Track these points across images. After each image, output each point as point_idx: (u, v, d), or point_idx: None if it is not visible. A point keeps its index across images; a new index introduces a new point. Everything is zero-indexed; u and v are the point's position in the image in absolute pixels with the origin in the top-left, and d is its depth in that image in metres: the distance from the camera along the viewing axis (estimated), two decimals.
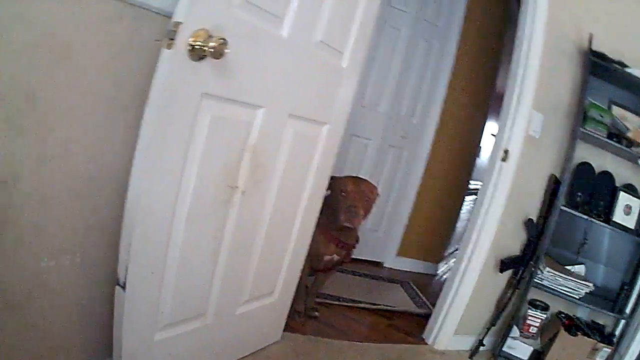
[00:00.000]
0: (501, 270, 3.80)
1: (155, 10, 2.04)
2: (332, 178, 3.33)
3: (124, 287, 2.02)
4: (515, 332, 3.77)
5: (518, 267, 3.84)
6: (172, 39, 1.79)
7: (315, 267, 3.61)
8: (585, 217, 3.68)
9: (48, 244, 2.05)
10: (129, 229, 1.95)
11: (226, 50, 1.87)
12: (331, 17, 2.54)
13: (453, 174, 5.96)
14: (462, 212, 6.16)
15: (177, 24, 1.79)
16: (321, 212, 3.21)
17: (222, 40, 1.83)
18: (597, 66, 3.67)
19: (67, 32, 1.87)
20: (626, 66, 3.72)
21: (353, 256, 3.72)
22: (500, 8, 5.76)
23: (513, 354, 3.70)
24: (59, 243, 2.09)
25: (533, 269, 3.66)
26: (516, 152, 3.69)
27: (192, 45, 1.82)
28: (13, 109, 1.79)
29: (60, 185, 2.01)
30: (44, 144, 1.91)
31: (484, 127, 6.00)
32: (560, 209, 3.62)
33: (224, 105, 2.13)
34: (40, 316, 2.11)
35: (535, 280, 3.64)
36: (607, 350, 3.66)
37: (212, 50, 1.82)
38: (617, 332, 3.93)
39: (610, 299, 3.92)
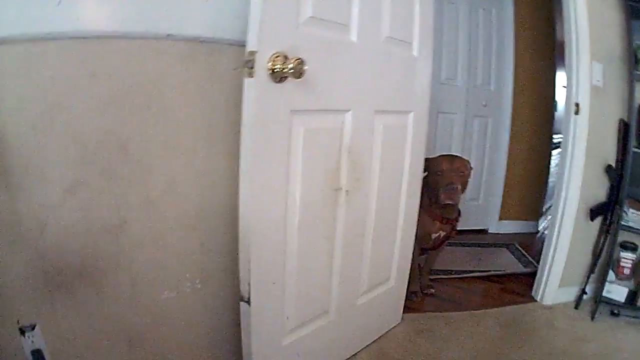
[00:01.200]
0: (592, 218, 3.79)
1: (227, 42, 2.11)
2: (426, 160, 3.37)
3: (248, 302, 2.09)
4: (611, 276, 3.76)
5: (606, 212, 3.83)
6: (251, 68, 1.84)
7: (424, 247, 3.66)
8: None
9: (167, 277, 2.15)
10: (246, 248, 2.02)
11: (305, 68, 1.91)
12: (393, 12, 2.57)
13: (537, 131, 5.91)
14: (551, 166, 6.10)
15: (253, 52, 1.84)
16: (422, 194, 3.26)
17: (299, 59, 1.88)
18: (636, 9, 3.62)
19: (148, 79, 1.97)
20: None
21: (460, 228, 3.76)
22: None
23: (611, 297, 3.66)
24: (177, 274, 2.19)
25: (619, 213, 3.64)
26: (586, 104, 3.66)
27: (271, 69, 1.87)
28: (107, 160, 1.89)
29: (170, 221, 2.10)
30: (145, 187, 2.01)
31: (555, 80, 5.93)
32: (634, 151, 3.59)
33: (313, 117, 2.19)
34: (166, 345, 2.22)
35: (622, 223, 3.62)
36: None
37: (292, 71, 1.87)
38: None
39: None
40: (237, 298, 2.14)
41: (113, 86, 1.89)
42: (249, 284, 2.06)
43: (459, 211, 3.66)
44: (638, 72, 3.60)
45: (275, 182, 2.07)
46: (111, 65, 1.87)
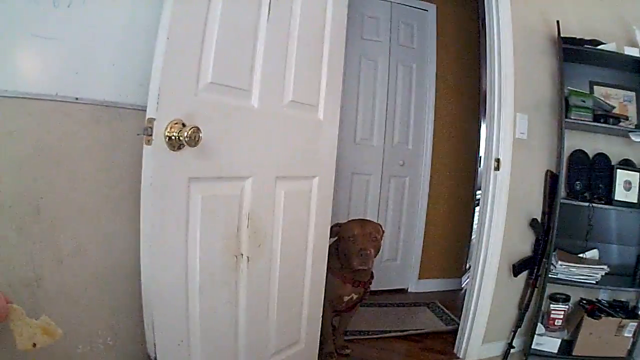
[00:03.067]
0: (515, 275, 3.85)
1: (131, 107, 2.14)
2: (338, 225, 3.45)
3: None
4: (541, 328, 3.81)
5: (531, 267, 3.87)
6: (150, 135, 1.87)
7: (337, 309, 3.66)
8: (587, 204, 3.72)
9: (81, 332, 2.15)
10: (149, 309, 2.02)
11: (200, 135, 1.93)
12: (297, 76, 2.62)
13: (457, 187, 6.02)
14: (474, 222, 6.18)
15: (151, 120, 1.87)
16: (332, 257, 3.28)
17: (194, 128, 1.91)
18: (571, 51, 3.71)
19: (58, 141, 2.00)
20: (600, 43, 3.77)
21: (378, 288, 3.80)
22: (472, 14, 5.86)
23: (543, 349, 3.73)
24: (91, 330, 2.19)
25: (546, 266, 3.69)
26: (508, 158, 3.73)
27: (168, 136, 1.90)
28: (21, 218, 1.92)
29: (81, 279, 2.11)
30: (56, 246, 2.02)
31: (479, 133, 6.05)
32: (562, 202, 3.66)
33: (211, 184, 2.21)
34: None
35: (551, 275, 3.68)
36: (633, 324, 3.69)
37: (188, 139, 1.89)
38: None
39: (629, 274, 3.95)
40: (146, 357, 2.14)
41: (27, 146, 1.92)
42: (154, 344, 2.06)
43: (372, 273, 3.67)
44: (568, 120, 3.67)
45: (174, 248, 2.08)
46: (27, 125, 1.92)
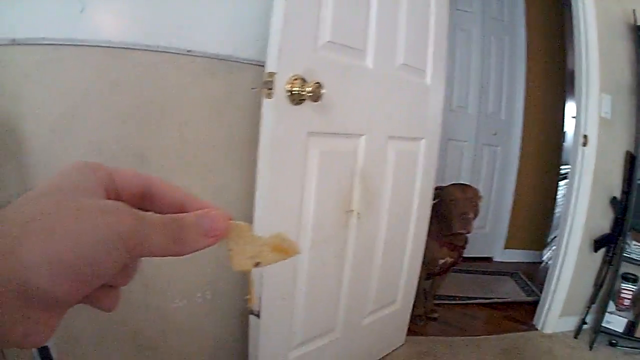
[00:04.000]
0: (595, 250, 3.82)
1: (245, 61, 2.17)
2: (439, 188, 3.47)
3: (258, 316, 2.15)
4: (611, 306, 3.80)
5: (609, 244, 3.85)
6: (270, 89, 1.91)
7: (430, 272, 3.69)
8: None
9: (178, 286, 2.21)
10: None
11: (323, 92, 1.97)
12: (408, 39, 2.63)
13: (545, 161, 5.95)
14: (558, 197, 6.13)
15: (272, 74, 1.91)
16: (431, 220, 3.30)
17: (317, 84, 1.95)
18: None
19: (166, 93, 2.04)
20: None
21: (466, 255, 3.80)
22: None
23: (610, 327, 3.69)
24: (189, 284, 2.25)
25: (622, 245, 3.67)
26: (594, 136, 3.70)
27: (289, 91, 1.94)
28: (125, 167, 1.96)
29: None
30: None
31: (564, 110, 5.95)
32: (639, 184, 3.64)
33: (329, 140, 2.25)
34: (174, 353, 2.28)
35: (625, 254, 3.65)
36: None
37: (310, 94, 1.94)
38: None
39: None
40: (247, 311, 2.20)
41: (133, 97, 1.96)
42: (260, 298, 2.12)
43: (467, 239, 3.70)
44: None
45: (289, 202, 2.13)
46: (132, 76, 1.95)
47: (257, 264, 0.57)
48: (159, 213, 0.50)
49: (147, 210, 0.51)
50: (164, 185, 0.57)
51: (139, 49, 1.94)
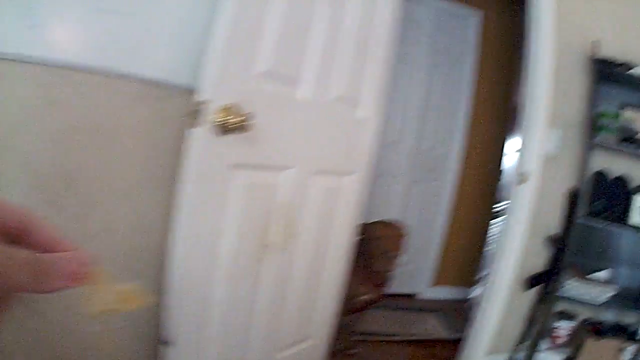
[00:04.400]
0: (528, 288, 3.84)
1: (178, 87, 2.13)
2: (363, 224, 3.43)
3: (169, 345, 2.12)
4: (545, 344, 3.81)
5: (543, 282, 3.86)
6: (198, 118, 1.89)
7: (350, 308, 3.65)
8: (603, 225, 3.72)
9: None
10: (173, 292, 2.04)
11: (250, 123, 1.95)
12: (346, 73, 2.62)
13: (480, 198, 6.00)
14: (491, 234, 6.18)
15: (201, 102, 1.89)
16: (354, 257, 3.26)
17: (245, 115, 1.92)
18: (605, 73, 3.70)
19: (101, 115, 1.98)
20: (632, 66, 3.74)
21: (390, 291, 3.79)
22: (514, 26, 5.80)
23: None
24: None
25: (558, 283, 3.68)
26: (536, 173, 3.73)
27: (217, 121, 1.91)
28: (54, 189, 1.92)
29: (108, 257, 2.10)
30: (87, 221, 2.03)
31: (503, 146, 6.00)
32: (580, 222, 3.65)
33: (253, 172, 2.22)
34: None
35: (561, 292, 3.67)
36: (630, 348, 3.68)
37: (237, 125, 1.91)
38: None
39: (636, 298, 3.95)
40: (160, 339, 2.17)
41: (68, 117, 1.92)
42: (170, 327, 2.09)
43: (389, 276, 3.67)
44: (594, 142, 3.67)
45: (207, 233, 2.10)
46: (68, 96, 1.90)
47: (108, 310, 0.58)
48: (33, 249, 0.51)
49: (21, 246, 0.52)
50: (40, 223, 0.57)
51: (78, 70, 1.90)
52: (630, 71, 3.71)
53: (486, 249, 6.00)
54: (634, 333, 3.86)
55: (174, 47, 2.13)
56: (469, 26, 5.71)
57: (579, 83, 3.85)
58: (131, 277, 2.20)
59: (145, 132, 2.13)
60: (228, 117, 1.91)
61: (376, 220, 3.68)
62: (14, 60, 1.75)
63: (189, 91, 2.03)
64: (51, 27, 1.83)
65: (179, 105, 2.14)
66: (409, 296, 5.75)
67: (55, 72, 1.85)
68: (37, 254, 0.50)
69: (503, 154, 5.90)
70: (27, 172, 1.87)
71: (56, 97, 1.87)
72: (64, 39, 1.88)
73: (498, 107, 5.88)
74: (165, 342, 2.13)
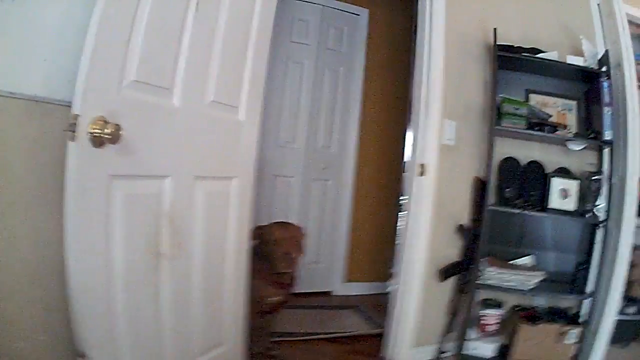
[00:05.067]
0: (441, 280, 3.91)
1: (60, 103, 2.16)
2: (259, 228, 3.48)
3: (85, 357, 2.11)
4: (472, 333, 3.88)
5: (459, 272, 3.94)
6: (74, 131, 1.91)
7: (261, 310, 3.67)
8: (518, 211, 3.79)
9: (18, 328, 2.16)
10: (76, 305, 2.05)
11: (121, 133, 1.99)
12: (221, 77, 2.67)
13: (382, 192, 6.10)
14: (399, 227, 6.23)
15: (76, 116, 1.92)
16: (254, 259, 3.29)
17: (116, 125, 1.97)
18: (507, 59, 3.77)
19: None
20: (540, 51, 3.86)
21: (302, 290, 3.81)
22: (404, 21, 5.94)
23: (476, 354, 3.79)
24: (27, 326, 2.20)
25: (476, 271, 3.73)
26: (433, 165, 3.79)
27: (91, 133, 1.94)
28: None
29: (13, 274, 2.14)
30: None
31: (404, 139, 6.08)
32: (491, 209, 3.72)
33: (132, 182, 2.24)
34: None
35: (481, 281, 3.72)
36: (573, 331, 3.74)
37: (109, 136, 1.95)
38: (583, 312, 4.01)
39: (567, 281, 4.03)
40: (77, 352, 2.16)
41: None
42: (82, 340, 2.09)
43: (293, 276, 3.69)
44: (499, 128, 3.73)
45: (95, 245, 2.11)
46: None
47: None
48: None
49: None
50: None
51: None
52: (540, 55, 3.83)
53: (395, 242, 6.09)
54: (575, 316, 3.96)
55: (53, 63, 2.17)
56: (357, 24, 5.85)
57: (478, 72, 3.98)
58: (38, 292, 2.23)
59: (34, 147, 2.15)
60: (100, 129, 1.94)
61: (273, 222, 3.71)
62: None
63: (70, 106, 2.06)
64: None
65: (63, 120, 2.17)
66: (324, 294, 5.80)
67: None
68: None
69: (404, 146, 5.98)
70: None
71: None
72: None
73: (395, 101, 6.00)
74: (82, 355, 2.12)
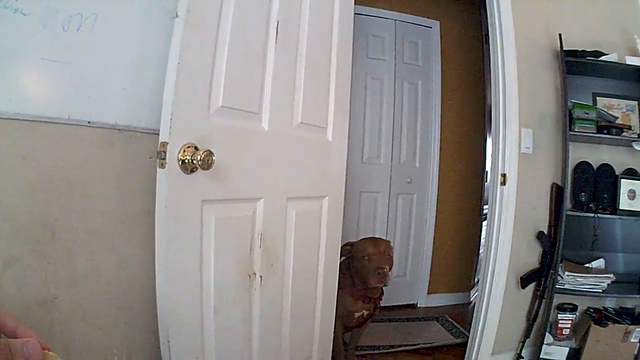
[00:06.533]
0: (522, 287, 3.85)
1: (143, 130, 2.17)
2: (349, 244, 3.49)
3: None
4: (549, 338, 3.81)
5: (538, 279, 3.88)
6: (163, 159, 1.90)
7: (348, 325, 3.67)
8: (592, 214, 3.73)
9: (97, 350, 2.18)
10: (165, 328, 2.04)
11: (213, 159, 1.96)
12: (307, 99, 2.64)
13: (465, 203, 6.03)
14: (482, 236, 6.17)
15: (164, 144, 1.91)
16: (342, 275, 3.28)
17: (207, 151, 1.94)
18: (573, 64, 3.71)
19: (71, 164, 2.05)
20: (602, 54, 3.76)
21: (388, 304, 3.81)
22: (475, 30, 5.90)
23: (551, 358, 3.74)
24: (106, 348, 2.22)
25: (554, 277, 3.68)
26: (513, 173, 3.72)
27: (182, 160, 1.93)
28: (36, 239, 1.96)
29: (96, 299, 2.15)
30: (72, 267, 2.07)
31: (485, 148, 6.04)
32: (567, 214, 3.66)
33: (224, 206, 2.23)
34: None
35: (558, 286, 3.67)
36: (639, 329, 3.67)
37: (201, 162, 1.92)
38: None
39: (635, 282, 3.94)
40: None
41: (41, 169, 1.97)
42: None
43: (382, 290, 3.69)
44: (572, 133, 3.66)
45: (188, 268, 2.10)
46: (39, 148, 1.96)
47: None
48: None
49: None
50: (5, 312, 0.71)
51: (43, 121, 1.96)
52: (602, 57, 3.74)
53: (479, 251, 6.02)
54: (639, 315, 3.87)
55: (133, 92, 2.19)
56: (430, 36, 5.77)
57: (547, 79, 3.89)
58: (122, 315, 2.24)
59: (116, 176, 2.18)
60: (191, 156, 1.93)
61: (363, 238, 3.70)
62: None
63: (155, 134, 2.04)
64: (10, 80, 1.90)
65: (147, 147, 2.18)
66: (408, 306, 5.75)
67: (24, 126, 1.91)
68: (7, 339, 0.60)
69: (485, 156, 5.93)
70: (9, 224, 1.91)
71: (27, 150, 1.93)
72: (25, 91, 1.95)
73: (473, 111, 5.93)
74: None
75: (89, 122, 2.06)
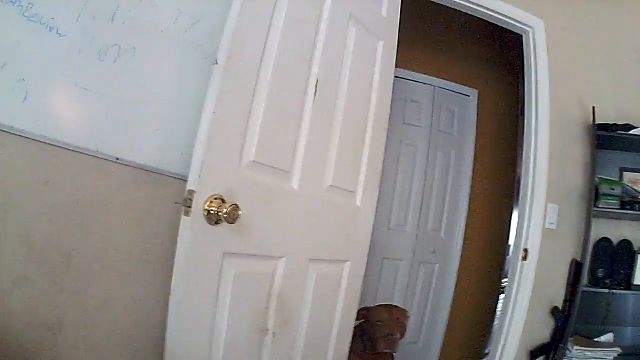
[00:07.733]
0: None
1: (171, 175, 2.17)
2: (366, 309, 3.44)
3: None
4: None
5: (548, 352, 3.82)
6: (189, 207, 1.87)
7: None
8: (607, 290, 3.72)
9: None
10: None
11: (239, 213, 1.92)
12: (339, 162, 2.61)
13: (486, 275, 5.90)
14: (498, 309, 6.10)
15: (192, 192, 1.87)
16: (355, 339, 3.21)
17: (234, 205, 1.90)
18: (604, 139, 3.69)
19: (95, 196, 2.06)
20: (632, 127, 3.74)
21: None
22: (512, 101, 5.82)
23: None
24: None
25: (563, 351, 3.65)
26: (535, 249, 3.70)
27: (207, 211, 1.89)
28: (51, 265, 1.97)
29: (104, 331, 2.15)
30: (84, 297, 2.07)
31: (510, 221, 5.97)
32: (583, 290, 3.64)
33: (245, 261, 2.19)
34: None
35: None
36: None
37: (226, 216, 1.88)
38: None
39: None
40: None
41: (62, 196, 1.99)
42: None
43: (392, 357, 3.61)
44: (596, 209, 3.64)
45: (202, 317, 2.06)
46: (63, 176, 1.99)
47: None
48: None
49: None
50: None
51: (70, 150, 1.98)
52: (632, 131, 3.73)
53: (493, 323, 5.94)
54: None
55: (166, 134, 2.20)
56: (468, 104, 5.76)
57: (577, 152, 3.90)
58: (128, 350, 2.22)
59: (140, 215, 2.20)
60: (217, 207, 1.90)
61: (380, 304, 3.65)
62: (8, 132, 1.83)
63: (183, 180, 2.05)
64: (40, 100, 1.91)
65: (173, 192, 2.18)
66: None
67: (49, 151, 1.93)
68: None
69: (509, 228, 5.86)
70: (25, 246, 1.92)
71: (49, 176, 1.95)
72: (55, 115, 1.96)
73: (502, 183, 5.84)
74: None
75: (117, 159, 2.09)
